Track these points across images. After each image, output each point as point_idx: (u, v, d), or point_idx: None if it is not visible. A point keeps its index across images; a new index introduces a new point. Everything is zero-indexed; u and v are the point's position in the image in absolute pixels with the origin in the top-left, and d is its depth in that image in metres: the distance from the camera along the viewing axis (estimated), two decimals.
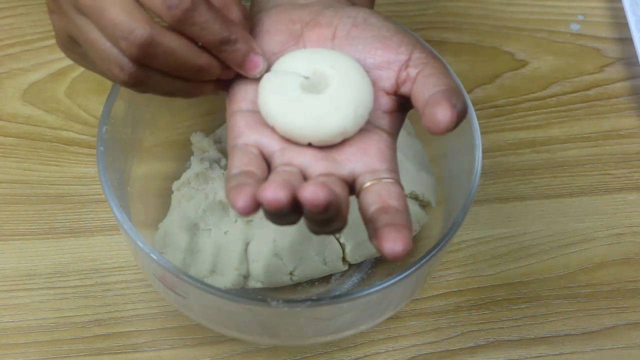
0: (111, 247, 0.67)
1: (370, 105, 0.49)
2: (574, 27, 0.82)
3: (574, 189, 0.73)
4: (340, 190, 0.46)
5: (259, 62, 0.49)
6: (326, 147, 0.49)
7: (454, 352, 0.65)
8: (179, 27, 0.46)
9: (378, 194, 0.46)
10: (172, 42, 0.47)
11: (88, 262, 0.67)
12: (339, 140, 0.48)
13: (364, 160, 0.48)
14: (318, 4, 0.53)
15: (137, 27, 0.46)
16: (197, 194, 0.63)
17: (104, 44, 0.47)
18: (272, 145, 0.48)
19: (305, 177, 0.47)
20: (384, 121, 0.50)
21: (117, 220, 0.54)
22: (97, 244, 0.67)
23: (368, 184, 0.47)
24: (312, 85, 0.49)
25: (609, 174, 0.73)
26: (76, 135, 0.73)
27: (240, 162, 0.47)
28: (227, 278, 0.61)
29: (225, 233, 0.62)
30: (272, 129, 0.49)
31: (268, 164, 0.48)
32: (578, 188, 0.73)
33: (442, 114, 0.46)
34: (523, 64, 0.80)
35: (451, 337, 0.65)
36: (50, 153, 0.71)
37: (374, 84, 0.50)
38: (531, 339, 0.65)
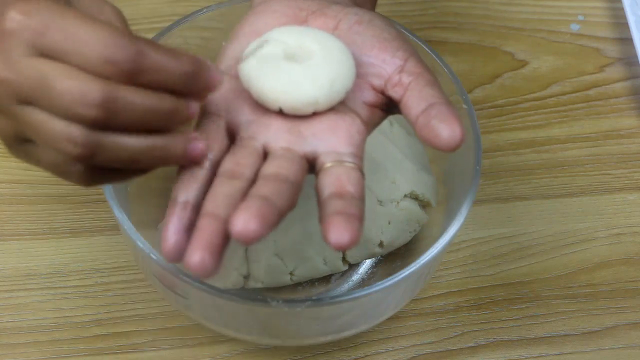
0: (111, 247, 0.67)
1: (348, 85, 0.49)
2: (574, 27, 0.82)
3: (574, 189, 0.73)
4: (295, 170, 0.46)
5: (220, 79, 0.46)
6: (296, 118, 0.49)
7: (454, 352, 0.65)
8: (132, 79, 0.42)
9: (336, 176, 0.46)
10: (131, 94, 0.43)
11: (88, 262, 0.67)
12: (309, 110, 0.49)
13: (329, 140, 0.48)
14: None
15: (90, 88, 0.42)
16: None
17: (52, 123, 0.43)
18: (240, 116, 0.49)
19: (265, 153, 0.48)
20: (363, 111, 0.50)
21: (117, 220, 0.54)
22: (97, 244, 0.67)
23: (328, 164, 0.47)
24: (295, 56, 0.49)
25: (609, 174, 0.73)
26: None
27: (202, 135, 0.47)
28: (227, 278, 0.61)
29: None
30: (246, 99, 0.49)
31: (232, 135, 0.49)
32: (578, 188, 0.73)
33: (450, 132, 0.46)
34: (523, 64, 0.80)
35: (451, 337, 0.65)
36: None
37: (363, 76, 0.50)
38: (531, 339, 0.65)
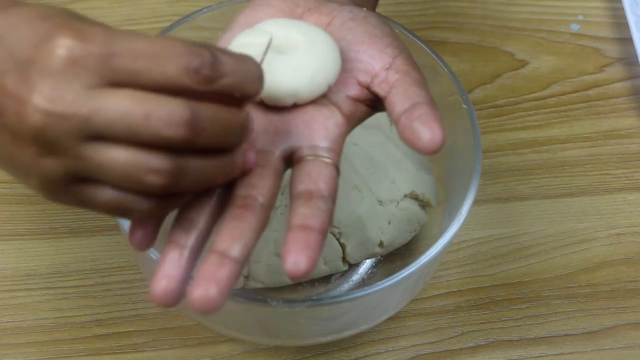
0: (111, 247, 0.67)
1: (331, 78, 0.49)
2: (574, 27, 0.82)
3: (574, 189, 0.73)
4: (268, 186, 0.45)
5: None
6: (274, 112, 0.48)
7: (454, 352, 0.65)
8: (209, 87, 0.40)
9: (309, 172, 0.46)
10: (213, 109, 0.40)
11: (88, 262, 0.67)
12: (289, 102, 0.48)
13: (305, 134, 0.48)
14: None
15: (175, 107, 0.39)
16: None
17: (130, 157, 0.39)
18: None
19: None
20: (346, 104, 0.50)
21: (117, 220, 0.54)
22: (97, 244, 0.67)
23: (303, 158, 0.47)
24: (280, 48, 0.49)
25: (609, 174, 0.73)
26: None
27: None
28: None
29: None
30: None
31: None
32: (578, 188, 0.73)
33: (431, 135, 0.45)
34: (523, 64, 0.80)
35: (451, 337, 0.65)
36: None
37: (350, 71, 0.50)
38: (531, 339, 0.65)
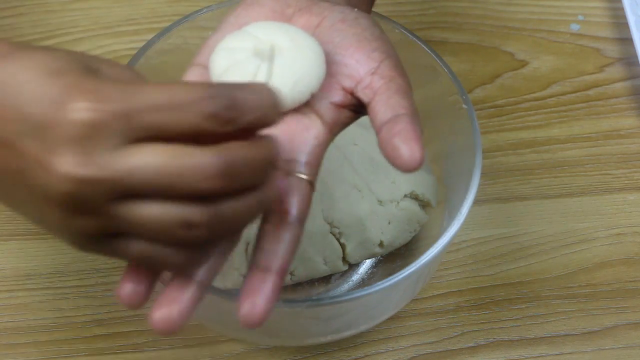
0: None
1: (314, 87, 0.48)
2: (574, 27, 0.82)
3: (574, 189, 0.73)
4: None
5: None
6: None
7: (454, 352, 0.65)
8: (230, 128, 0.39)
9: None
10: (241, 149, 0.39)
11: (88, 262, 0.67)
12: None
13: (283, 146, 0.47)
14: None
15: (206, 159, 0.38)
16: None
17: (162, 210, 0.38)
18: None
19: None
20: (328, 112, 0.49)
21: None
22: None
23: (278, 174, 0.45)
24: (264, 53, 0.48)
25: (609, 174, 0.73)
26: None
27: None
28: (227, 278, 0.61)
29: None
30: None
31: None
32: (578, 188, 0.73)
33: (410, 153, 0.44)
34: (523, 64, 0.80)
35: (451, 337, 0.65)
36: None
37: (334, 75, 0.49)
38: (531, 339, 0.65)
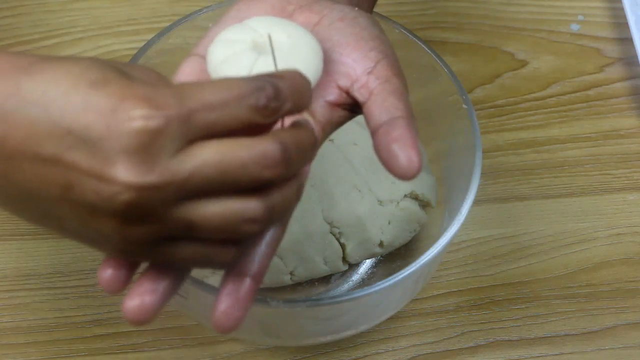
0: None
1: (318, 71, 0.48)
2: (574, 27, 0.82)
3: (574, 189, 0.73)
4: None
5: None
6: None
7: (454, 352, 0.65)
8: (277, 117, 0.41)
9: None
10: (291, 135, 0.40)
11: (88, 262, 0.67)
12: None
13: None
14: None
15: (265, 148, 0.39)
16: None
17: (224, 208, 0.39)
18: None
19: None
20: (322, 110, 0.49)
21: None
22: None
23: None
24: (262, 47, 0.48)
25: (609, 174, 0.73)
26: None
27: None
28: None
29: None
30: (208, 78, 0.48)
31: None
32: (578, 188, 0.73)
33: (408, 161, 0.44)
34: (523, 64, 0.80)
35: (451, 337, 0.65)
36: None
37: (331, 74, 0.49)
38: (531, 339, 0.65)
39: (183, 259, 0.41)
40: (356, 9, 0.52)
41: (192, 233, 0.40)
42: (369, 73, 0.49)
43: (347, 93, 0.49)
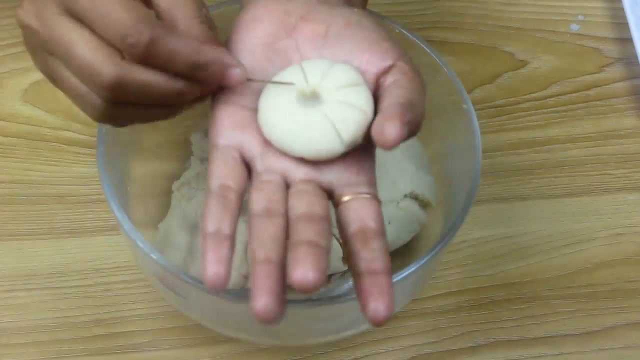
0: (111, 247, 0.67)
1: (369, 122, 0.48)
2: (574, 27, 0.82)
3: (574, 189, 0.73)
4: (323, 205, 0.46)
5: (237, 75, 0.48)
6: None
7: (454, 352, 0.65)
8: (145, 61, 0.45)
9: (357, 211, 0.46)
10: (142, 76, 0.46)
11: (88, 262, 0.67)
12: (332, 158, 0.48)
13: (343, 171, 0.48)
14: None
15: (102, 69, 0.45)
16: (197, 194, 0.63)
17: (75, 83, 0.47)
18: (253, 149, 0.48)
19: (287, 184, 0.47)
20: (366, 132, 0.49)
21: (117, 220, 0.54)
22: (97, 244, 0.67)
23: (347, 197, 0.47)
24: (311, 101, 0.48)
25: (609, 174, 0.73)
26: (76, 135, 0.73)
27: (220, 171, 0.47)
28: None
29: None
30: (255, 129, 0.49)
31: (249, 167, 0.48)
32: (578, 188, 0.73)
33: (390, 129, 0.45)
34: (523, 64, 0.80)
35: (451, 337, 0.65)
36: (50, 153, 0.71)
37: None
38: (531, 339, 0.65)
39: (63, 82, 0.48)
40: (355, 9, 0.52)
41: (67, 56, 0.46)
42: (387, 73, 0.49)
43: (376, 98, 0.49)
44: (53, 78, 0.49)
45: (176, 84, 0.47)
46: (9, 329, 0.64)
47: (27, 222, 0.68)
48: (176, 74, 0.46)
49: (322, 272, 0.43)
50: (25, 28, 0.48)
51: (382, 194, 0.64)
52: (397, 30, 0.62)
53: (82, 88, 0.47)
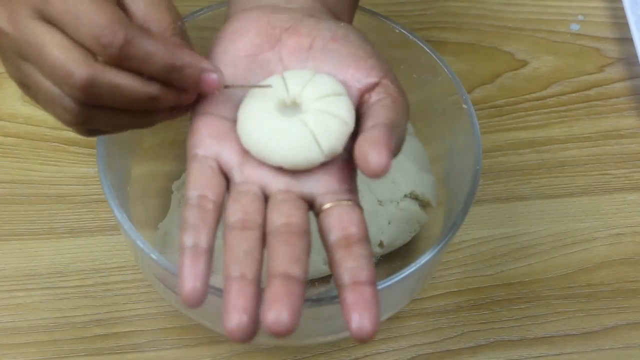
0: (111, 247, 0.67)
1: (350, 132, 0.47)
2: (574, 27, 0.82)
3: (574, 189, 0.73)
4: (302, 216, 0.45)
5: (214, 80, 0.47)
6: None
7: (454, 352, 0.65)
8: (118, 63, 0.45)
9: (338, 218, 0.45)
10: (116, 78, 0.45)
11: (88, 262, 0.67)
12: (311, 167, 0.47)
13: (323, 180, 0.47)
14: (300, 11, 0.52)
15: (75, 70, 0.44)
16: None
17: (48, 87, 0.46)
18: (231, 159, 0.48)
19: (265, 196, 0.47)
20: (346, 142, 0.48)
21: (117, 220, 0.54)
22: (97, 244, 0.67)
23: (328, 205, 0.46)
24: (291, 110, 0.48)
25: (609, 174, 0.73)
26: (76, 135, 0.72)
27: (198, 182, 0.46)
28: None
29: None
30: (233, 140, 0.48)
31: (227, 178, 0.48)
32: (578, 188, 0.73)
33: (375, 158, 0.44)
34: (523, 64, 0.80)
35: (451, 337, 0.65)
36: (50, 153, 0.71)
37: None
38: (531, 339, 0.65)
39: (33, 84, 0.47)
40: (342, 23, 0.52)
41: (33, 90, 0.47)
42: (372, 91, 0.49)
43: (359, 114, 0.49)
44: (25, 84, 0.48)
45: (150, 88, 0.46)
46: (9, 329, 0.64)
47: (27, 222, 0.68)
48: (150, 77, 0.45)
49: (296, 314, 0.42)
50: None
51: (382, 194, 0.64)
52: (397, 30, 0.62)
53: (55, 91, 0.46)
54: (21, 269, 0.66)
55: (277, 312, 0.41)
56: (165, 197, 0.65)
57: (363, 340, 0.42)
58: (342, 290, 0.43)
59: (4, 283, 0.65)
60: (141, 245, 0.53)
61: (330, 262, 0.45)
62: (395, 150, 0.45)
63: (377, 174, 0.44)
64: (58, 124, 0.72)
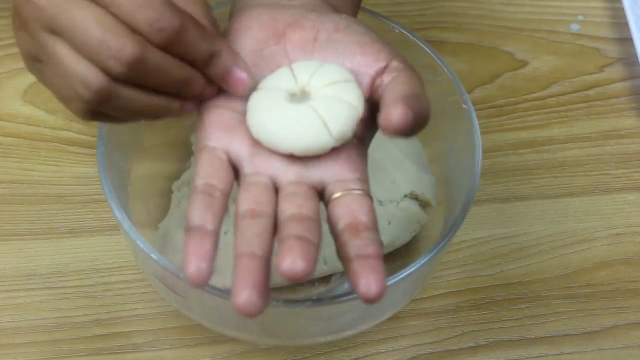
0: (111, 247, 0.67)
1: (359, 117, 0.48)
2: (574, 27, 0.82)
3: (574, 189, 0.73)
4: (313, 206, 0.46)
5: (243, 79, 0.48)
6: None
7: (454, 352, 0.65)
8: (167, 46, 0.45)
9: (348, 207, 0.46)
10: (161, 59, 0.45)
11: (88, 262, 0.67)
12: (322, 153, 0.48)
13: (333, 168, 0.47)
14: (302, 7, 0.52)
15: (127, 44, 0.44)
16: None
17: (70, 61, 0.45)
18: (242, 151, 0.48)
19: (276, 187, 0.47)
20: (357, 128, 0.49)
21: (117, 220, 0.54)
22: (97, 244, 0.67)
23: (337, 194, 0.46)
24: (300, 99, 0.49)
25: (609, 174, 0.73)
26: (76, 135, 0.73)
27: (206, 171, 0.47)
28: (227, 278, 0.61)
29: (225, 233, 0.61)
30: (244, 132, 0.48)
31: (236, 170, 0.48)
32: (578, 188, 0.73)
33: (397, 114, 0.44)
34: (523, 64, 0.80)
35: (451, 337, 0.65)
36: (50, 153, 0.71)
37: None
38: (531, 339, 0.65)
39: (51, 86, 0.47)
40: (344, 16, 0.52)
41: (50, 67, 0.46)
42: (383, 73, 0.49)
43: (368, 100, 0.49)
44: (36, 58, 0.47)
45: (186, 70, 0.47)
46: (9, 329, 0.64)
47: (27, 222, 0.68)
48: (190, 62, 0.47)
49: (311, 262, 0.42)
50: (28, 3, 0.46)
51: (382, 194, 0.64)
52: (397, 30, 0.62)
53: (79, 66, 0.45)
54: (21, 269, 0.66)
55: (292, 259, 0.42)
56: (165, 197, 0.65)
57: (371, 301, 0.43)
58: (349, 263, 0.44)
59: (4, 283, 0.65)
60: (141, 245, 0.53)
61: (338, 247, 0.45)
62: (420, 118, 0.45)
63: (397, 126, 0.44)
64: (58, 124, 0.73)
